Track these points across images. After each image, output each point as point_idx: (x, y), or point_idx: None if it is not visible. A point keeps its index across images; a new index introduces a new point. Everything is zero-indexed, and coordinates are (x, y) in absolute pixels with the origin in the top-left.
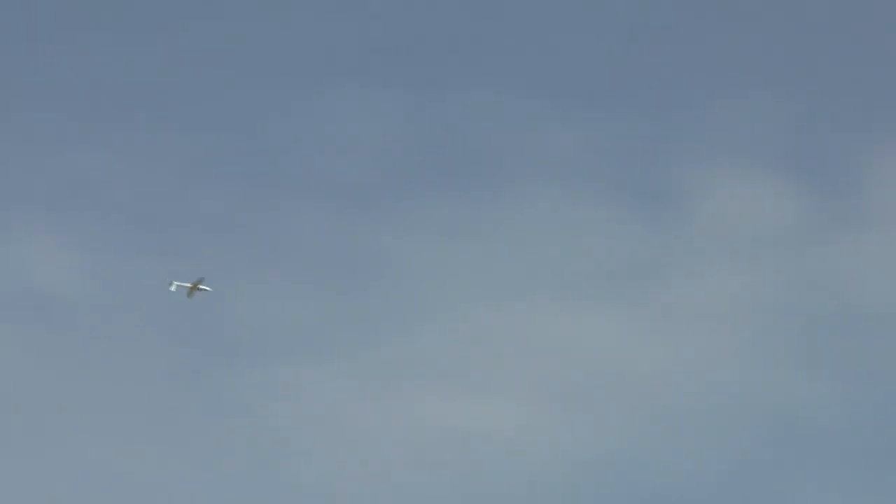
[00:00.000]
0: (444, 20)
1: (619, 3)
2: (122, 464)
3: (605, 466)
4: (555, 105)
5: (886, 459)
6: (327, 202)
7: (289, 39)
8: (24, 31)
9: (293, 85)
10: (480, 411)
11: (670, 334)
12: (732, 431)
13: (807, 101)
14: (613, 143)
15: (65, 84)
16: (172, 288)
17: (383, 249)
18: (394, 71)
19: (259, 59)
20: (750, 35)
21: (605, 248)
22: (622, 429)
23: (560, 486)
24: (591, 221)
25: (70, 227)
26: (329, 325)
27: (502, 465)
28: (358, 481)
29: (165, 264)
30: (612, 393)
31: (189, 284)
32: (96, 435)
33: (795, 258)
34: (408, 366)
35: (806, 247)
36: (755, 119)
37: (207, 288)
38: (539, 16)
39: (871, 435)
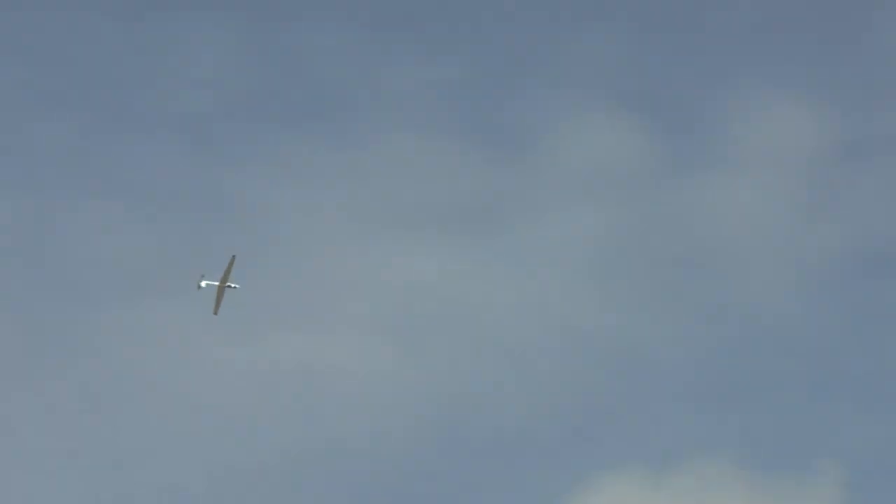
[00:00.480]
0: None
1: None
2: None
3: (449, 401)
4: (400, 43)
5: (725, 396)
6: (168, 136)
7: None
8: None
9: (134, 16)
10: (327, 347)
11: (517, 272)
12: (576, 367)
13: (654, 40)
14: (460, 81)
15: None
16: (203, 284)
17: (225, 185)
18: (237, 3)
19: None
20: None
21: (452, 186)
22: (467, 365)
23: (405, 420)
24: (438, 160)
25: None
26: (172, 261)
27: (348, 400)
28: (206, 415)
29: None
30: (458, 330)
31: (217, 283)
32: None
33: (642, 197)
34: (252, 301)
35: (652, 186)
36: (604, 58)
37: (235, 285)
38: None
39: (711, 373)
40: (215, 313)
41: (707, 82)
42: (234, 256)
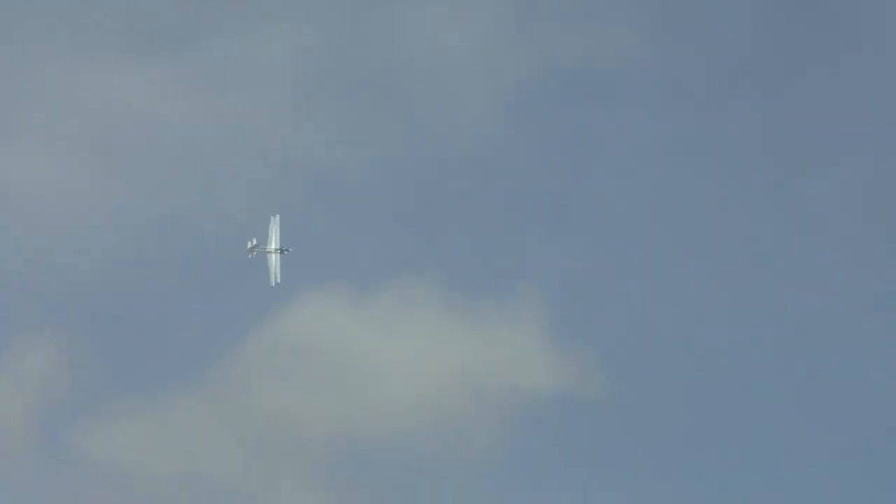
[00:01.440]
0: None
1: None
2: None
3: (147, 219)
4: None
5: (430, 219)
6: None
7: None
8: None
9: None
10: (21, 165)
11: (214, 91)
12: (277, 187)
13: None
14: None
15: None
16: (252, 243)
17: None
18: None
19: None
20: None
21: (149, 5)
22: (165, 182)
23: (105, 236)
24: None
25: None
26: None
27: (48, 216)
28: None
29: None
30: (155, 148)
31: (267, 249)
32: None
33: (342, 16)
34: None
35: (353, 5)
36: None
37: (288, 249)
38: None
39: (416, 195)
40: (273, 283)
41: None
42: (276, 216)
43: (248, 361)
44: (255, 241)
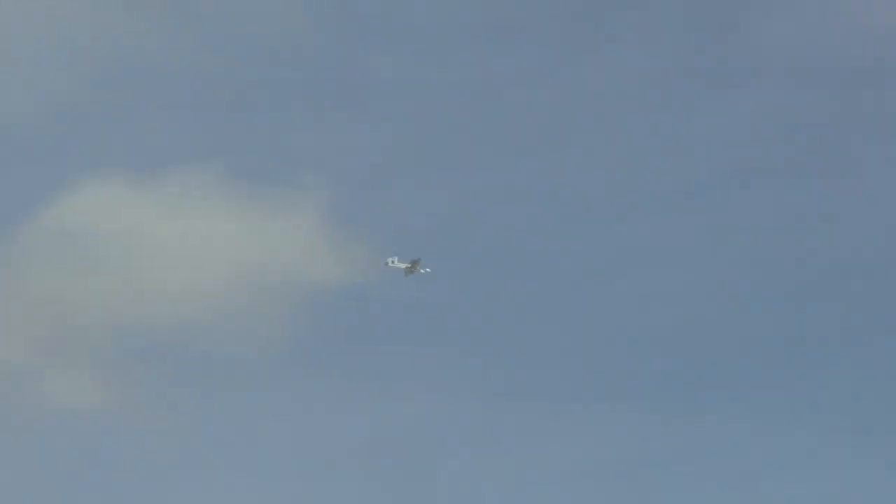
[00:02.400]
0: None
1: None
2: None
3: None
4: None
5: (214, 106)
6: None
7: None
8: None
9: None
10: None
11: None
12: (53, 71)
13: None
14: None
15: None
16: (390, 263)
17: None
18: None
19: None
20: None
21: None
22: None
23: None
24: None
25: None
26: None
27: None
28: None
29: None
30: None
31: (407, 265)
32: None
33: None
34: None
35: None
36: None
37: (427, 270)
38: None
39: (200, 82)
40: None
41: None
42: (419, 259)
43: (25, 247)
44: (394, 258)
